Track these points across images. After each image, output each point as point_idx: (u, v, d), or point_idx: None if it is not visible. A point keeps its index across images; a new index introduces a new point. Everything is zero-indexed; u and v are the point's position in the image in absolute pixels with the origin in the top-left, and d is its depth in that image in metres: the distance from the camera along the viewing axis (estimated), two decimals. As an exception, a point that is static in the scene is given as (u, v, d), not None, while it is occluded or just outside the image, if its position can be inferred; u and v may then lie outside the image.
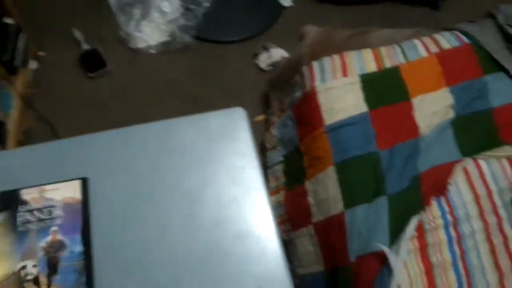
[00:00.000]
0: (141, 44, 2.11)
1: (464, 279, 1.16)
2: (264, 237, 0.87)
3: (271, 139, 1.70)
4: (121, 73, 2.07)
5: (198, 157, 0.94)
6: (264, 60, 2.04)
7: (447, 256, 1.18)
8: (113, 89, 2.03)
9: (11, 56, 1.79)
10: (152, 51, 2.12)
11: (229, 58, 2.12)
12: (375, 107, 1.34)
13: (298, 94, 1.50)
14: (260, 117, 1.93)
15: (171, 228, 0.87)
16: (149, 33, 2.10)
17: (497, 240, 1.20)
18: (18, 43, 1.87)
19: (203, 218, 0.88)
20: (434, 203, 1.23)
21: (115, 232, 0.87)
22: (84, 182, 0.89)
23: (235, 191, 0.90)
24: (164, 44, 2.12)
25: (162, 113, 1.90)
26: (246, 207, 0.89)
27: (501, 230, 1.21)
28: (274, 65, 2.01)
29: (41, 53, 2.08)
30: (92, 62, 2.06)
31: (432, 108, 1.33)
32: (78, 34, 2.13)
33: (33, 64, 2.02)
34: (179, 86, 2.04)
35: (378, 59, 1.42)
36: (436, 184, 1.26)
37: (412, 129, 1.32)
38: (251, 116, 1.88)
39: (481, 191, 1.25)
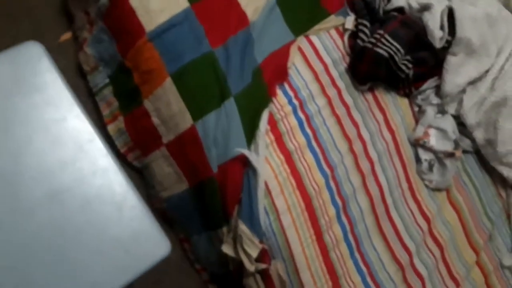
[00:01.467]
0: None
1: (320, 156, 1.21)
2: (116, 194, 0.73)
3: (88, 60, 1.43)
4: None
5: (-4, 122, 0.70)
6: (47, -39, 1.63)
7: (301, 139, 1.20)
8: None
9: None
10: None
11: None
12: (196, 0, 1.18)
13: (103, 0, 1.24)
14: (66, 35, 1.59)
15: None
16: None
17: (341, 111, 1.26)
18: None
19: (29, 196, 0.69)
20: (279, 92, 1.21)
21: None
22: None
23: (63, 152, 0.71)
24: None
25: None
26: (83, 166, 0.72)
27: (342, 100, 1.27)
28: (62, -34, 1.63)
29: None
30: None
31: (254, -11, 1.23)
32: None
33: None
34: None
35: None
36: (277, 71, 1.22)
37: (241, 17, 1.22)
38: (54, 37, 1.57)
39: (318, 67, 1.26)
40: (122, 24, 1.23)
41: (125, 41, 1.24)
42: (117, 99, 1.39)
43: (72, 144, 0.72)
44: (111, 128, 1.41)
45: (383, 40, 1.21)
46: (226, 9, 1.21)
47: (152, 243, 0.72)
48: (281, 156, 1.16)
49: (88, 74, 1.45)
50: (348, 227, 1.19)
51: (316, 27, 1.28)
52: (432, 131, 1.27)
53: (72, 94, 0.74)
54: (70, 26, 1.59)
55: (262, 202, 1.11)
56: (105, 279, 0.69)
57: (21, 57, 0.73)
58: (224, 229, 1.16)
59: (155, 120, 1.24)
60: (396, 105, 1.32)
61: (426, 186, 1.31)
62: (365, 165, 1.26)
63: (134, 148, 1.38)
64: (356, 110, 1.28)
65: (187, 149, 1.19)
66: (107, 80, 1.40)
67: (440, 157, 1.27)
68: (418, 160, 1.31)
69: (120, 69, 1.32)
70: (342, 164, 1.23)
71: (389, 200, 1.26)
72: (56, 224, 0.70)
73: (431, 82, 1.30)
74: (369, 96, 1.30)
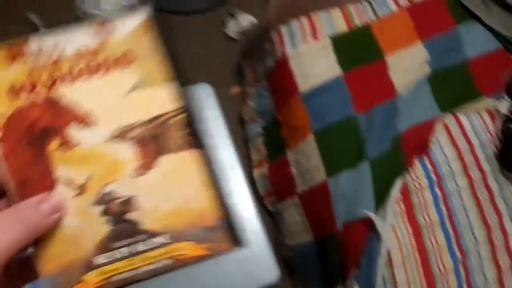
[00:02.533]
0: (102, 23, 2.00)
1: (452, 238, 1.15)
2: (243, 218, 0.84)
3: (248, 111, 1.65)
4: (84, 56, 1.97)
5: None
6: (232, 28, 1.96)
7: (434, 216, 1.16)
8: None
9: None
10: (115, 29, 2.01)
11: (195, 29, 2.03)
12: (349, 69, 1.29)
13: (270, 62, 1.44)
14: (236, 89, 1.86)
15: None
16: (108, 10, 1.99)
17: (483, 195, 1.18)
18: (-30, 33, 1.75)
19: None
20: (417, 163, 1.21)
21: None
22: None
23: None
24: (127, 20, 2.02)
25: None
26: (222, 187, 0.85)
27: (486, 185, 1.19)
28: (243, 32, 1.93)
29: (-3, 41, 1.97)
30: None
31: (407, 65, 1.29)
32: (34, 18, 2.01)
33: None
34: (146, 65, 1.95)
35: (347, 17, 1.36)
36: (417, 143, 1.23)
37: (389, 88, 1.28)
38: (225, 89, 1.85)
39: (463, 146, 1.22)
40: (280, 83, 1.40)
41: (281, 98, 1.41)
42: (266, 148, 1.56)
43: (218, 168, 0.86)
44: (256, 172, 1.57)
45: (541, 128, 1.14)
46: (376, 80, 1.29)
47: (264, 267, 0.79)
48: (410, 229, 1.14)
49: (246, 123, 1.66)
50: (473, 321, 1.09)
51: (466, 106, 1.26)
52: None
53: (227, 129, 0.89)
54: (240, 82, 1.85)
55: (381, 270, 1.09)
56: (217, 286, 0.79)
57: (194, 93, 0.92)
58: (339, 287, 1.17)
59: (293, 170, 1.35)
60: (550, 200, 1.19)
61: None
62: (504, 259, 1.14)
63: (272, 193, 1.50)
64: (500, 198, 1.19)
65: (317, 202, 1.26)
66: (261, 131, 1.58)
67: None
68: None
69: (273, 122, 1.48)
70: (476, 252, 1.14)
71: (528, 304, 1.12)
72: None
73: None
74: (519, 186, 1.21)
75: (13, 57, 0.36)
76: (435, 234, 1.14)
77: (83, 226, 0.37)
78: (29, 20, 2.02)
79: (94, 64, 0.38)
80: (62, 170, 0.37)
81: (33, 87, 0.36)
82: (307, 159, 1.29)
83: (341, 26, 1.34)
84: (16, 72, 0.36)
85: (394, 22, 1.33)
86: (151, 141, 0.38)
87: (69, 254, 0.37)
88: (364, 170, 1.18)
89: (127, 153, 0.38)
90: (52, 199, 0.36)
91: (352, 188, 1.18)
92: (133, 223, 0.38)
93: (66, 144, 0.37)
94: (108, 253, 0.38)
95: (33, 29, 1.99)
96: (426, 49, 1.30)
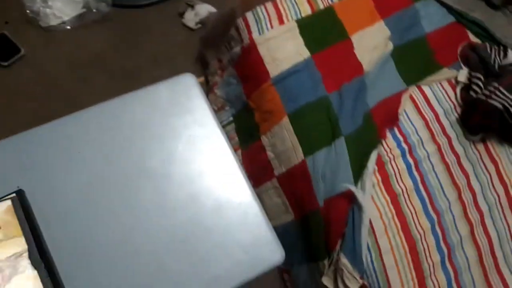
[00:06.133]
0: (53, 21, 1.92)
1: (427, 201, 1.22)
2: (242, 203, 0.85)
3: (216, 100, 1.65)
4: (38, 56, 1.88)
5: (155, 134, 0.88)
6: (191, 18, 1.94)
7: (409, 182, 1.23)
8: (34, 75, 1.85)
9: None
10: (67, 27, 1.94)
11: (153, 22, 1.99)
12: (317, 51, 1.33)
13: (237, 49, 1.44)
14: (200, 79, 1.85)
15: (142, 212, 0.83)
16: (60, 8, 1.91)
17: (450, 159, 1.27)
18: None
19: (174, 196, 0.84)
20: (389, 135, 1.27)
21: (77, 231, 0.80)
22: (20, 196, 0.78)
23: (203, 163, 0.87)
24: (79, 17, 1.95)
25: (93, 92, 1.77)
26: (218, 177, 0.86)
27: (452, 149, 1.28)
28: (202, 22, 1.92)
29: None
30: (3, 49, 1.85)
31: (372, 43, 1.34)
32: (-23, 20, 1.89)
33: None
34: (104, 61, 1.89)
35: (311, 1, 1.39)
36: (387, 116, 1.29)
37: (356, 67, 1.33)
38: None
39: (429, 115, 1.30)
40: (250, 70, 1.41)
41: (251, 84, 1.42)
42: (237, 135, 1.57)
43: (211, 157, 0.87)
44: (229, 160, 1.57)
45: (497, 92, 1.23)
46: (343, 59, 1.33)
47: (269, 249, 0.82)
48: (387, 197, 1.21)
49: (215, 112, 1.66)
50: (452, 275, 1.17)
51: (429, 78, 1.34)
52: (550, 186, 1.22)
53: (215, 118, 0.90)
54: (203, 72, 1.84)
55: (365, 238, 1.15)
56: (226, 274, 0.80)
57: (179, 84, 0.92)
58: (325, 262, 1.21)
59: (269, 154, 1.38)
60: (510, 158, 1.30)
61: (543, 244, 1.24)
62: (474, 215, 1.24)
63: (248, 179, 1.52)
64: (466, 159, 1.29)
65: (296, 182, 1.29)
66: (231, 118, 1.59)
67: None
68: (534, 216, 1.25)
69: (244, 109, 1.49)
70: (449, 212, 1.23)
71: (499, 254, 1.21)
72: (192, 222, 0.83)
73: (551, 137, 1.27)
74: (481, 147, 1.30)
75: None
76: (411, 199, 1.22)
77: None
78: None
79: None
80: None
81: None
82: (283, 141, 1.32)
83: (305, 9, 1.37)
84: None
85: (355, 3, 1.39)
86: None
87: None
88: (340, 147, 1.23)
89: None
90: None
91: (330, 164, 1.22)
92: None
93: None
94: None
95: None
96: (387, 26, 1.36)
